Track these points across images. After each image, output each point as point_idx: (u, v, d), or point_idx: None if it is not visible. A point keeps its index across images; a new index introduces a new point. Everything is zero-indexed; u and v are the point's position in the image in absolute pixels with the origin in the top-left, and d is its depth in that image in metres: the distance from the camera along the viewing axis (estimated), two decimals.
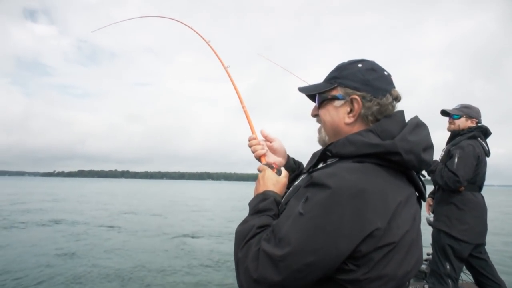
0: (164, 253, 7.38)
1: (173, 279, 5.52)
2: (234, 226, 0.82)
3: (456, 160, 2.26)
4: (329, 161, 0.75)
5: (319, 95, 0.81)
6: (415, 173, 0.74)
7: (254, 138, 1.04)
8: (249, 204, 0.83)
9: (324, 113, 0.81)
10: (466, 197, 2.32)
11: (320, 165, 0.78)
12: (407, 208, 0.66)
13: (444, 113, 2.52)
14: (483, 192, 2.61)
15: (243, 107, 1.12)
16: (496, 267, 2.61)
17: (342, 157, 0.72)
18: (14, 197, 24.12)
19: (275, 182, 0.87)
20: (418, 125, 0.73)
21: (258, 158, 1.01)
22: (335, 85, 0.78)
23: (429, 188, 2.26)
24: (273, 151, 1.03)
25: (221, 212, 17.21)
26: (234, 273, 0.88)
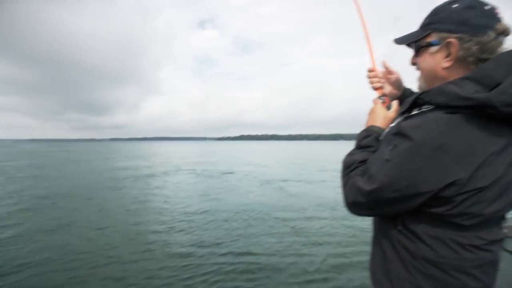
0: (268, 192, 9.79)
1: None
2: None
3: None
4: (424, 108, 0.73)
5: (414, 43, 0.79)
6: None
7: (373, 71, 1.05)
8: (357, 136, 0.91)
9: (421, 61, 0.79)
10: None
11: (415, 111, 0.75)
12: (502, 157, 0.63)
13: None
14: None
15: (366, 38, 1.06)
16: None
17: (437, 105, 0.68)
18: (197, 154, 36.72)
19: (382, 117, 0.90)
20: None
21: (375, 90, 1.03)
22: (429, 31, 0.74)
23: None
24: (390, 83, 1.04)
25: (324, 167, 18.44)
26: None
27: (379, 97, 0.99)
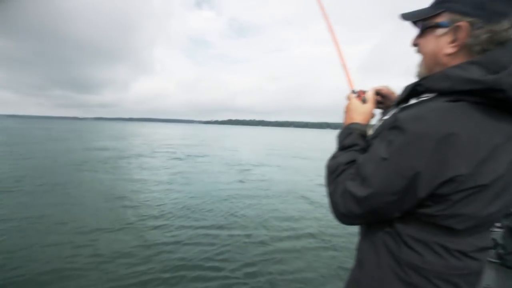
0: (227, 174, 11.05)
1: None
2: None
3: None
4: (423, 97, 0.66)
5: (422, 22, 0.70)
6: None
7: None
8: (337, 137, 0.83)
9: (424, 43, 0.71)
10: None
11: (413, 101, 0.69)
12: (504, 151, 0.57)
13: None
14: None
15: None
16: None
17: (440, 93, 0.62)
18: (178, 137, 36.45)
19: (360, 112, 0.84)
20: None
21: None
22: (442, 10, 0.66)
23: None
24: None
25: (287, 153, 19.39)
26: None
27: (352, 91, 0.91)
